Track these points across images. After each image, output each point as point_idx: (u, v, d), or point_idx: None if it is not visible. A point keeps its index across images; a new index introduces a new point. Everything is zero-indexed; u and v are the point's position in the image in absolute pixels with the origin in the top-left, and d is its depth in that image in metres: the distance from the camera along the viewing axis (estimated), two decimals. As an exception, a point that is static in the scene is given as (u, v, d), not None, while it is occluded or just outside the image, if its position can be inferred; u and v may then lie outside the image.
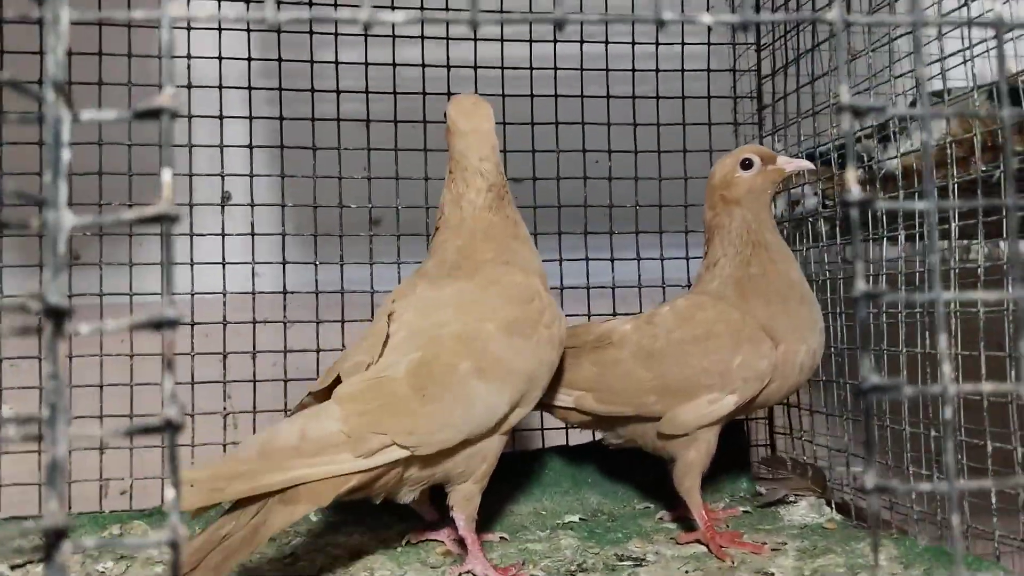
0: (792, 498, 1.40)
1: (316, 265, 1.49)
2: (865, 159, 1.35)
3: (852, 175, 0.30)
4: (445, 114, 1.20)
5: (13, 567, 1.15)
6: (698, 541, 1.23)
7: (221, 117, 1.47)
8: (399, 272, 1.50)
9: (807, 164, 1.28)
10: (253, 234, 1.47)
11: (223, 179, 1.47)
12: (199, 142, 1.46)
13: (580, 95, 1.58)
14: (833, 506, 1.37)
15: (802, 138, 1.51)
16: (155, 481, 1.42)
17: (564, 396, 1.27)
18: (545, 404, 1.26)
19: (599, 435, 1.37)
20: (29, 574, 1.15)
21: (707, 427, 1.21)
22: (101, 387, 1.40)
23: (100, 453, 1.41)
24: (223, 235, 1.46)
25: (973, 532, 1.13)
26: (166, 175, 0.37)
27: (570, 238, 1.57)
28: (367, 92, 1.51)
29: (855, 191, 0.30)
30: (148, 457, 1.43)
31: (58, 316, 0.39)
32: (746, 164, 1.25)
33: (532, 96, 1.57)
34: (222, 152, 1.46)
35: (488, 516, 1.36)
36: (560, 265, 1.55)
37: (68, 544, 0.38)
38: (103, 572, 1.16)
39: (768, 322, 1.20)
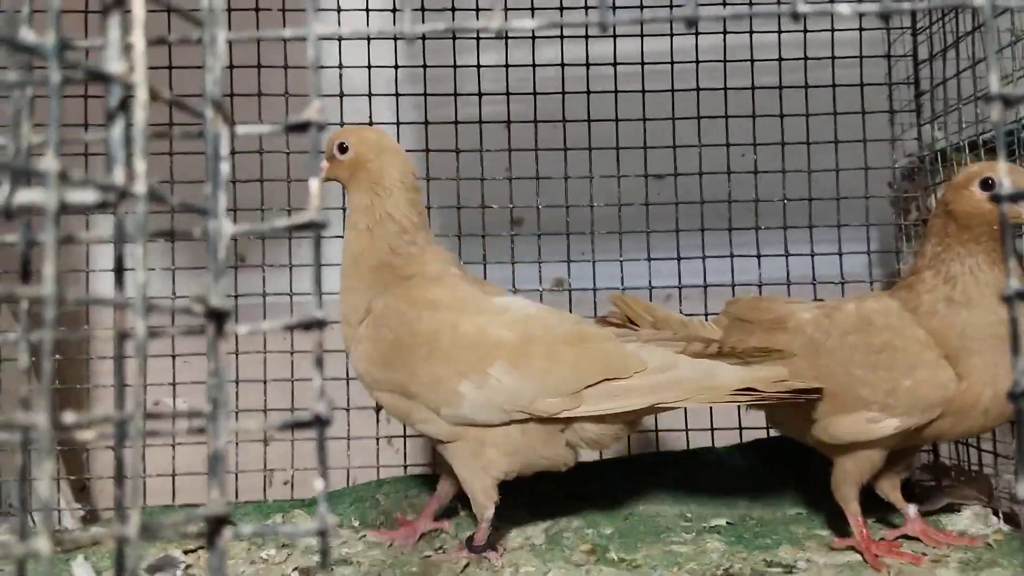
0: (956, 507, 1.32)
1: (460, 265, 1.53)
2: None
3: (1003, 167, 0.28)
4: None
5: (186, 552, 1.24)
6: (852, 548, 1.18)
7: (371, 123, 1.53)
8: (540, 271, 1.52)
9: None
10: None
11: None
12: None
13: (723, 87, 1.55)
14: (1000, 516, 1.28)
15: (964, 125, 1.42)
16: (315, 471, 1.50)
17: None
18: None
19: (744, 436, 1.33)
20: (200, 559, 1.24)
21: (866, 447, 1.15)
22: (264, 382, 1.49)
23: (264, 445, 1.50)
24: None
25: None
26: (313, 185, 0.40)
27: (714, 234, 1.54)
28: (507, 94, 1.53)
29: (1006, 183, 0.29)
30: (309, 448, 1.51)
31: (219, 317, 0.42)
32: (987, 184, 1.06)
33: (672, 91, 1.54)
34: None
35: (634, 516, 1.36)
36: (703, 263, 1.52)
37: (228, 531, 0.40)
38: (266, 559, 1.23)
39: (957, 353, 1.09)
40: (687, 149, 1.54)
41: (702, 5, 1.51)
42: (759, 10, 1.38)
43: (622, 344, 1.14)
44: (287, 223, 0.43)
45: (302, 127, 0.42)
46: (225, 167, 0.43)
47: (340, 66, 1.53)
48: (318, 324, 0.40)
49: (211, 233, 0.42)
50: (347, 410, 1.49)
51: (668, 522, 1.35)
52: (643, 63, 1.54)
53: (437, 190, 1.54)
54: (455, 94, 1.54)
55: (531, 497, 1.40)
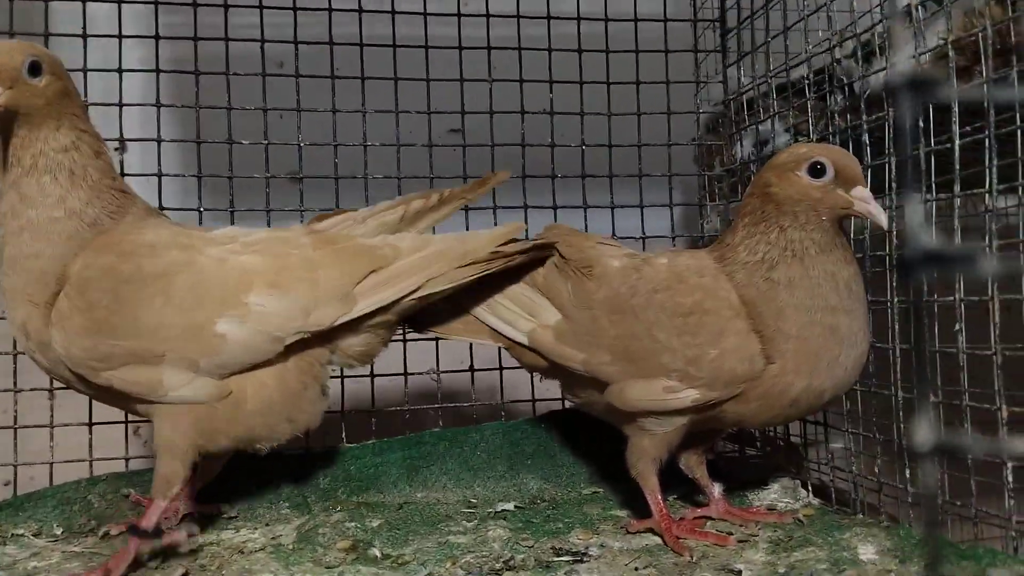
0: (763, 480, 1.20)
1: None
2: (846, 83, 1.15)
3: None
4: None
5: None
6: (652, 531, 1.03)
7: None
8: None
9: (882, 217, 0.93)
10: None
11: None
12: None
13: (516, 15, 1.37)
14: (810, 489, 1.17)
15: (771, 66, 1.31)
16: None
17: (525, 322, 1.07)
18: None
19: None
20: None
21: (658, 417, 1.00)
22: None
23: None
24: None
25: (982, 517, 0.93)
26: None
27: (509, 184, 1.35)
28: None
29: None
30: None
31: None
32: (817, 169, 0.94)
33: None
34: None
35: (410, 506, 1.15)
36: (494, 213, 1.33)
37: None
38: None
39: (772, 334, 0.96)
40: (477, 85, 1.35)
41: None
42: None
43: (369, 238, 1.04)
44: None
45: None
46: None
47: None
48: None
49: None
50: (50, 390, 1.19)
51: (448, 510, 1.16)
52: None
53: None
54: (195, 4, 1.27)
55: (290, 490, 1.17)
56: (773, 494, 1.17)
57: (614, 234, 1.36)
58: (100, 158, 0.96)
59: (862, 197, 0.93)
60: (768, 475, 1.21)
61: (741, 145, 1.38)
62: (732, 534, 1.02)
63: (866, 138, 1.08)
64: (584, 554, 0.97)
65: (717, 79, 1.44)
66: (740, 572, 0.91)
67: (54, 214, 0.92)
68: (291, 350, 0.99)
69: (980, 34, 0.91)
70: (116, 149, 1.22)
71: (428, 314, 1.11)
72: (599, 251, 1.07)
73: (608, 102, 1.38)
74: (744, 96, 1.38)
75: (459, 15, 1.35)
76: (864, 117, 1.09)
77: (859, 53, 1.11)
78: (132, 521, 0.99)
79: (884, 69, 1.06)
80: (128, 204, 0.98)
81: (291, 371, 1.00)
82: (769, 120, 1.30)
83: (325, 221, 1.08)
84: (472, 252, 1.04)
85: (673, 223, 1.45)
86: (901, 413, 1.04)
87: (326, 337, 1.01)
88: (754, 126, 1.34)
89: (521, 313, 1.08)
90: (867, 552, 0.93)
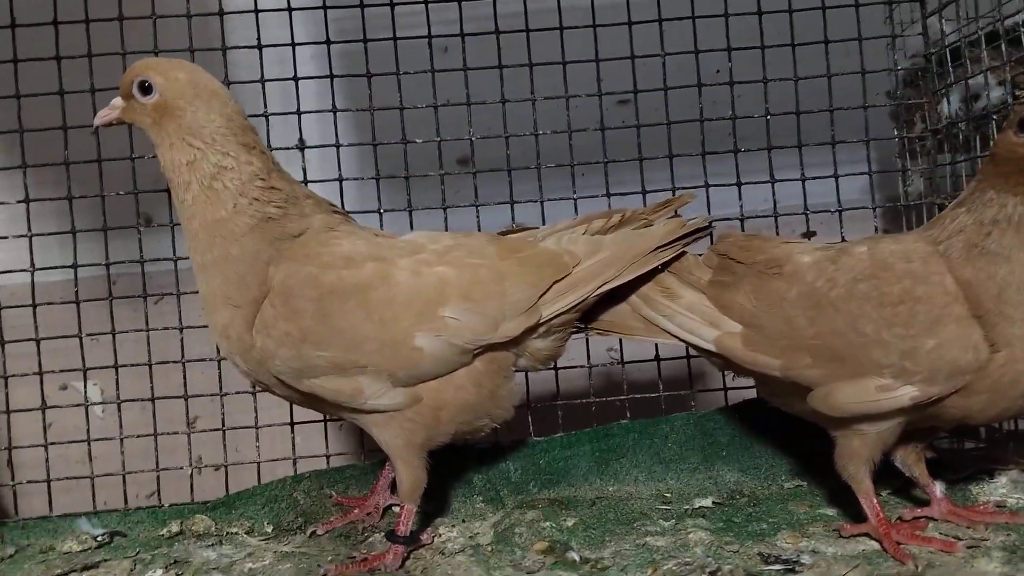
0: (989, 473, 1.09)
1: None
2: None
3: None
4: None
5: None
6: (867, 535, 0.96)
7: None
8: (478, 217, 1.27)
9: None
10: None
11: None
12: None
13: None
14: (1044, 482, 1.06)
15: (979, 12, 1.17)
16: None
17: (707, 330, 1.02)
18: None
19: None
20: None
21: (875, 420, 0.92)
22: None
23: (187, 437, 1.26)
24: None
25: None
26: None
27: (685, 162, 1.29)
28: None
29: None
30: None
31: None
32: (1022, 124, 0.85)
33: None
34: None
35: (603, 501, 1.13)
36: (673, 195, 1.27)
37: None
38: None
39: (994, 319, 0.87)
40: (649, 60, 1.28)
41: None
42: None
43: (551, 245, 1.05)
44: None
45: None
46: None
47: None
48: None
49: None
50: (253, 393, 1.25)
51: (643, 506, 1.13)
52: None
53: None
54: (361, 5, 1.28)
55: (483, 483, 1.18)
56: (1002, 489, 1.06)
57: (806, 207, 1.28)
58: (232, 170, 0.96)
59: None
60: (994, 468, 1.10)
61: (948, 101, 1.25)
62: (960, 539, 0.93)
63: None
64: (796, 562, 0.92)
65: (916, 31, 1.30)
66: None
67: (234, 224, 0.95)
68: (478, 354, 1.00)
69: None
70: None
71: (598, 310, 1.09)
72: (786, 248, 1.00)
73: (793, 67, 1.28)
74: (948, 48, 1.24)
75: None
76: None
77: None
78: (391, 528, 1.03)
79: None
80: (301, 204, 1.00)
81: (483, 373, 1.01)
82: (981, 73, 1.17)
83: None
84: (643, 249, 1.05)
85: (873, 192, 1.33)
86: None
87: (513, 341, 1.01)
88: (963, 81, 1.20)
89: (702, 321, 1.03)
90: None
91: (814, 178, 1.29)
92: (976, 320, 0.87)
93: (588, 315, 1.08)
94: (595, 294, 1.03)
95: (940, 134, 1.29)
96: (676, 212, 1.11)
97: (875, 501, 0.95)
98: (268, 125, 1.26)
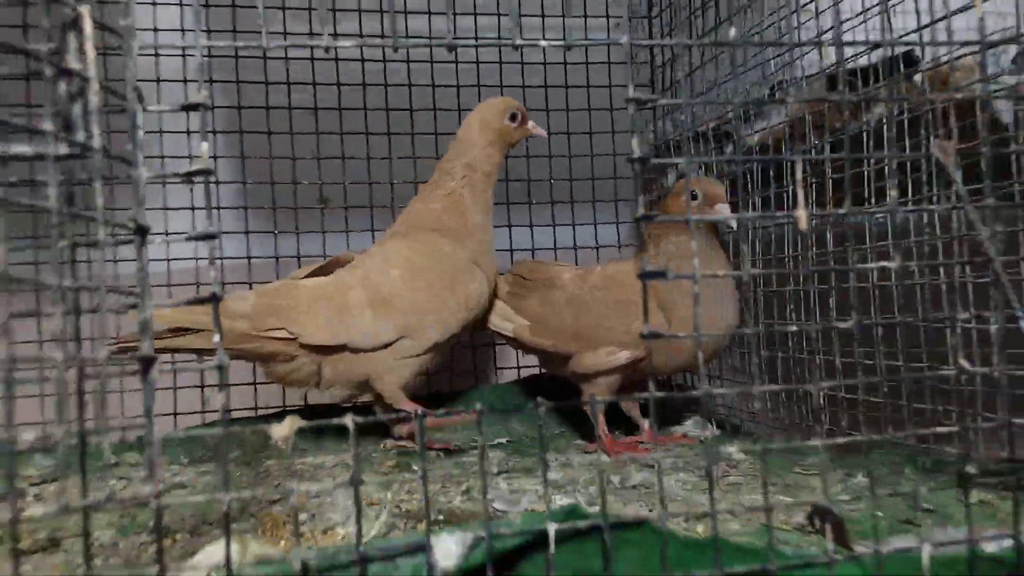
0: (682, 416, 1.69)
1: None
2: (734, 138, 1.64)
3: (636, 143, 0.54)
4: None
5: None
6: (600, 451, 1.51)
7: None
8: (347, 241, 1.76)
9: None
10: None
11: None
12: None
13: (499, 84, 1.84)
14: (714, 423, 1.66)
15: (689, 121, 1.80)
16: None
17: (506, 324, 1.55)
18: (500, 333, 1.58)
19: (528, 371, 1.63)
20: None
21: (606, 373, 1.48)
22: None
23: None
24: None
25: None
26: (203, 146, 0.62)
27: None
28: (314, 84, 1.76)
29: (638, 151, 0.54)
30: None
31: (143, 233, 0.64)
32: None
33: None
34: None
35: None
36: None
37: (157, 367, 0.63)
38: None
39: (668, 308, 1.43)
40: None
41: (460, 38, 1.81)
42: (495, 40, 1.67)
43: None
44: (185, 171, 0.65)
45: (194, 107, 0.65)
46: (141, 133, 0.65)
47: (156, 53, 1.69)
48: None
49: (134, 177, 0.64)
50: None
51: (457, 442, 1.63)
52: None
53: (251, 168, 1.74)
54: (266, 82, 1.74)
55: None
56: (688, 425, 1.65)
57: (575, 244, 1.86)
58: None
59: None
60: (681, 415, 1.70)
61: (666, 177, 1.87)
62: (650, 449, 1.50)
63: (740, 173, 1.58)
64: (566, 464, 1.46)
65: (651, 129, 1.93)
66: (653, 465, 1.39)
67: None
68: None
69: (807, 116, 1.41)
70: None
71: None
72: (557, 270, 1.57)
73: (568, 147, 1.87)
74: (670, 141, 1.87)
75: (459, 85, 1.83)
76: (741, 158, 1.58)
77: (742, 117, 1.61)
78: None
79: (753, 132, 1.55)
80: None
81: None
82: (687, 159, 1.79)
83: None
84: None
85: (619, 235, 1.93)
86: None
87: None
88: (676, 164, 1.83)
89: (506, 318, 1.57)
90: (733, 449, 1.42)
91: (581, 224, 1.88)
92: (662, 310, 1.45)
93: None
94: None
95: (661, 199, 1.91)
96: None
97: (604, 428, 1.51)
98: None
